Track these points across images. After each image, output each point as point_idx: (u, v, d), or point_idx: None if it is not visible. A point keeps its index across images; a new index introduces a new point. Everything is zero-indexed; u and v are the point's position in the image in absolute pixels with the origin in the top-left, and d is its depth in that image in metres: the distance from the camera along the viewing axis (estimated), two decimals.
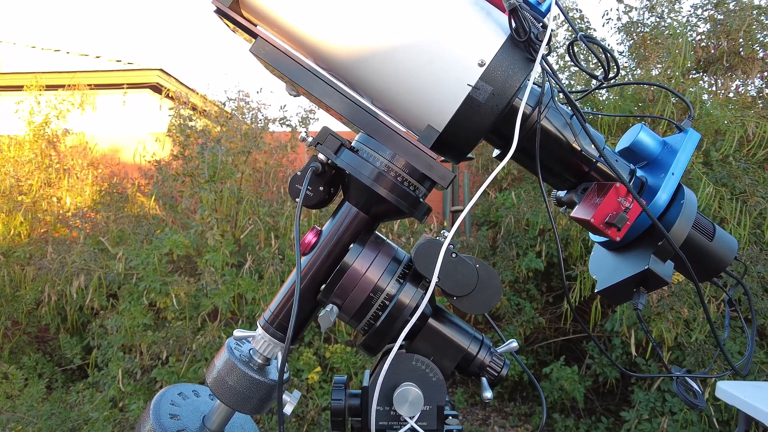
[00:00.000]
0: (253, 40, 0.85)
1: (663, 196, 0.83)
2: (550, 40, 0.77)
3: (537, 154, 0.80)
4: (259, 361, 0.90)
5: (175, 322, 3.13)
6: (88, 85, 5.32)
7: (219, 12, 0.84)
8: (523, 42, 0.76)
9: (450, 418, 0.93)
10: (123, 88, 7.99)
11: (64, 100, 4.92)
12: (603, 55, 0.87)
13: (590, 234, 0.96)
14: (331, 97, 0.83)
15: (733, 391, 1.86)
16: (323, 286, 0.85)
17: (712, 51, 3.34)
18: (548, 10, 0.80)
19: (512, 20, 0.76)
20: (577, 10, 3.91)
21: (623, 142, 0.94)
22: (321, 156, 0.85)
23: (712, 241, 0.88)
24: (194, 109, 4.12)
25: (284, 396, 0.87)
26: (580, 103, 3.83)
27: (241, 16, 0.85)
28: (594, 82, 0.93)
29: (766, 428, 1.99)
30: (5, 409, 3.05)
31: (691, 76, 3.75)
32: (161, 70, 8.75)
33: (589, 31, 3.97)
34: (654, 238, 0.80)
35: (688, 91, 3.00)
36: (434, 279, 0.77)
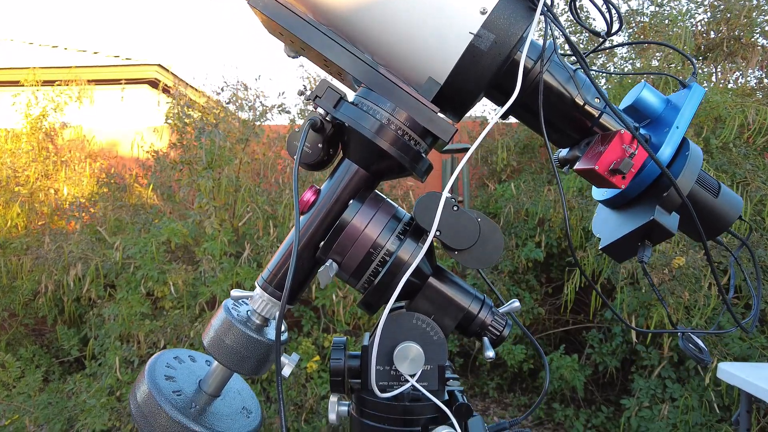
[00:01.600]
0: None
1: (667, 150, 0.81)
2: None
3: (540, 107, 0.78)
4: (257, 321, 0.89)
5: (172, 311, 3.11)
6: (88, 80, 5.31)
7: None
8: None
9: (451, 380, 0.92)
10: (121, 83, 7.97)
11: (61, 93, 4.90)
12: (606, 9, 0.86)
13: (593, 192, 0.95)
14: (332, 49, 0.81)
15: (734, 371, 1.85)
16: (322, 243, 0.84)
17: (713, 36, 3.33)
18: None
19: None
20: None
21: (626, 101, 0.92)
22: (320, 110, 0.84)
23: (717, 197, 0.87)
24: (192, 101, 4.10)
25: (282, 358, 0.86)
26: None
27: None
28: (601, 41, 0.92)
29: (762, 407, 1.98)
30: (2, 398, 3.03)
31: (700, 63, 3.74)
32: (159, 65, 8.74)
33: (589, 21, 3.96)
34: (659, 190, 0.79)
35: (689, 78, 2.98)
36: (434, 229, 0.75)
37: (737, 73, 3.75)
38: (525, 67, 0.80)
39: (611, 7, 0.85)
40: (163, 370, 0.90)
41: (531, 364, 3.67)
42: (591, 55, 1.10)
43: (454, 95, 0.82)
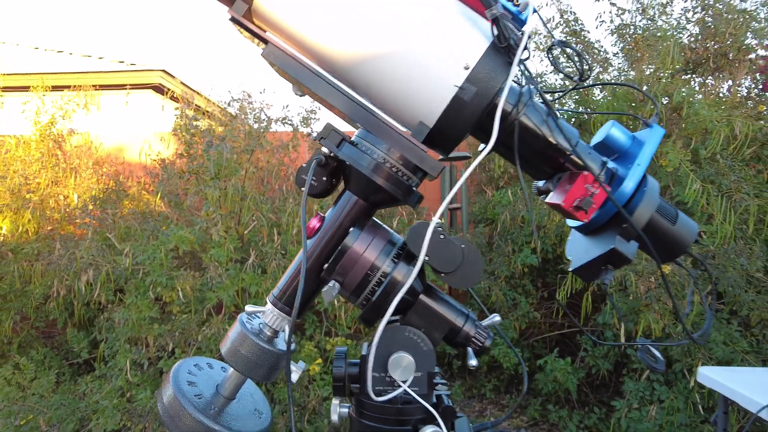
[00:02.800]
0: (263, 45, 0.95)
1: (629, 185, 0.93)
2: (526, 46, 0.88)
3: (516, 146, 0.90)
4: (269, 333, 1.00)
5: (180, 315, 3.23)
6: (93, 85, 5.43)
7: (233, 20, 0.94)
8: (504, 48, 0.87)
9: (439, 385, 1.04)
10: (126, 88, 8.10)
11: (69, 100, 5.02)
12: (577, 59, 0.98)
13: (566, 220, 1.06)
14: (334, 97, 0.93)
15: (712, 375, 1.96)
16: (326, 265, 0.95)
17: (700, 53, 3.45)
18: (527, 19, 0.91)
19: (494, 29, 0.86)
20: (571, 12, 4.02)
21: (597, 137, 1.04)
22: (324, 149, 0.95)
23: (675, 224, 0.98)
24: (198, 109, 4.22)
25: (291, 365, 0.98)
26: (571, 101, 3.93)
27: (253, 23, 0.96)
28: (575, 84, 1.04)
29: (742, 409, 2.09)
30: (17, 398, 3.16)
31: (683, 77, 3.86)
32: (163, 70, 8.86)
33: (583, 33, 4.08)
34: (620, 222, 0.90)
35: (678, 91, 3.10)
36: (422, 254, 0.87)
37: (729, 82, 3.86)
38: (505, 112, 0.91)
39: (582, 58, 0.97)
40: (185, 377, 1.02)
41: (527, 367, 3.78)
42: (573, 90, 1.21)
43: (442, 136, 0.93)
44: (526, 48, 0.89)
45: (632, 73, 3.95)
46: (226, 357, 0.99)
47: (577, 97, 3.97)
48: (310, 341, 3.45)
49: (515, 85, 0.95)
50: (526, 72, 0.90)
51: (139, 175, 4.74)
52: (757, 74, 3.82)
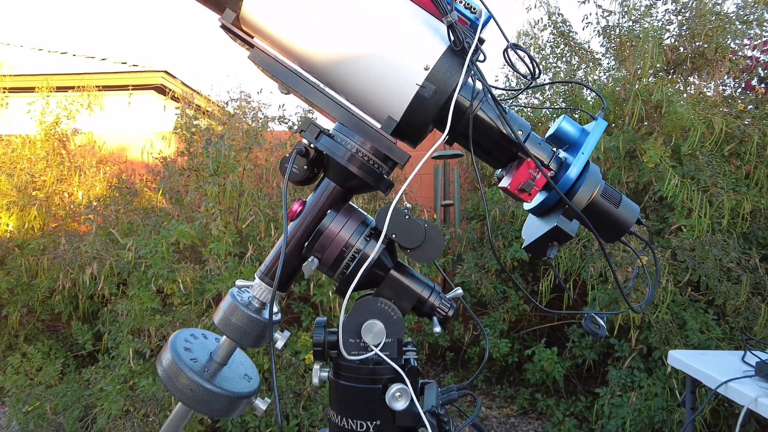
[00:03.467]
0: (251, 49, 1.08)
1: (573, 171, 1.05)
2: (478, 48, 1.00)
3: (470, 136, 1.03)
4: (256, 305, 1.12)
5: (181, 307, 3.36)
6: (97, 86, 5.57)
7: (223, 27, 1.07)
8: (459, 50, 0.99)
9: (408, 351, 1.16)
10: (128, 89, 8.25)
11: (73, 101, 5.16)
12: (529, 61, 1.10)
13: (523, 205, 1.19)
14: (313, 95, 1.06)
15: (680, 358, 2.08)
16: (306, 244, 1.08)
17: (681, 50, 3.57)
18: (477, 24, 1.03)
19: (450, 34, 0.98)
20: (559, 14, 4.14)
21: (551, 130, 1.16)
22: (304, 140, 1.08)
23: (618, 207, 1.10)
24: (198, 108, 4.35)
25: (276, 334, 1.10)
26: (561, 100, 4.06)
27: (241, 30, 1.08)
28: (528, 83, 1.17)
29: (707, 390, 2.21)
30: (25, 386, 3.29)
31: (669, 77, 3.98)
32: (165, 71, 9.00)
33: (571, 34, 4.20)
34: (563, 204, 1.03)
35: (658, 90, 3.22)
36: (385, 229, 0.99)
37: (712, 83, 3.98)
38: (462, 107, 1.04)
39: (533, 60, 1.09)
40: (182, 343, 1.15)
41: (516, 357, 3.91)
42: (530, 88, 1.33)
43: (409, 129, 1.06)
44: (479, 51, 1.02)
45: (622, 72, 4.07)
46: (218, 325, 1.11)
47: (566, 94, 4.09)
48: (306, 332, 3.58)
49: (478, 84, 1.07)
50: (478, 73, 1.02)
51: (142, 173, 4.88)
52: (744, 74, 3.95)
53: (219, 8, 1.07)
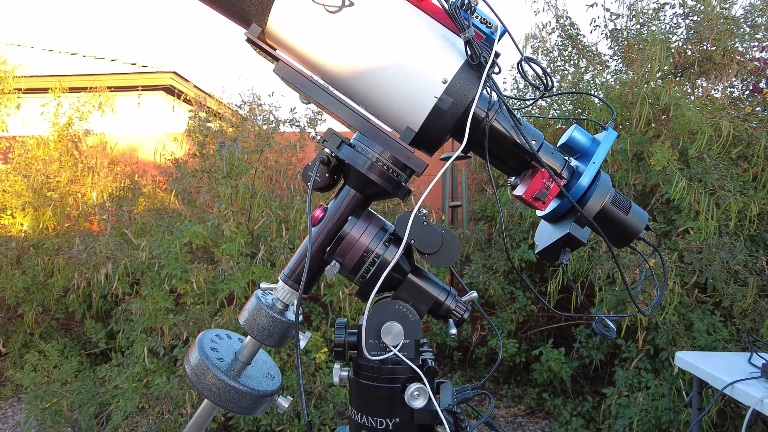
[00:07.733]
0: (274, 61, 1.13)
1: (585, 179, 1.09)
2: (494, 64, 1.04)
3: (486, 146, 1.07)
4: (280, 306, 1.17)
5: (194, 306, 3.42)
6: (108, 87, 5.64)
7: (249, 41, 1.12)
8: (476, 65, 1.04)
9: (425, 352, 1.21)
10: (138, 90, 8.33)
11: (86, 102, 5.23)
12: (542, 74, 1.14)
13: (536, 212, 1.23)
14: (335, 106, 1.10)
15: (687, 358, 2.12)
16: (328, 248, 1.13)
17: (689, 54, 3.60)
18: (493, 38, 1.07)
19: (467, 48, 1.03)
20: (567, 17, 4.17)
21: (563, 139, 1.20)
22: (327, 150, 1.13)
23: (628, 214, 1.14)
24: (209, 111, 4.41)
25: (299, 334, 1.15)
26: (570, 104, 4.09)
27: (265, 43, 1.13)
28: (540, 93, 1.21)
29: (714, 390, 2.24)
30: (42, 383, 3.36)
31: (677, 80, 4.00)
32: (174, 72, 9.08)
33: (579, 37, 4.23)
34: (576, 211, 1.07)
35: (666, 94, 3.25)
36: (406, 235, 1.04)
37: (720, 86, 4.00)
38: (478, 118, 1.08)
39: (546, 73, 1.14)
40: (209, 344, 1.20)
41: (523, 357, 3.94)
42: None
43: (426, 139, 1.11)
44: (495, 64, 1.06)
45: (629, 75, 4.10)
46: (243, 326, 1.16)
47: (573, 97, 4.12)
48: (316, 332, 3.64)
49: (494, 95, 1.12)
50: (494, 86, 1.06)
51: (153, 174, 4.94)
52: (752, 76, 3.96)
53: (245, 23, 1.12)
